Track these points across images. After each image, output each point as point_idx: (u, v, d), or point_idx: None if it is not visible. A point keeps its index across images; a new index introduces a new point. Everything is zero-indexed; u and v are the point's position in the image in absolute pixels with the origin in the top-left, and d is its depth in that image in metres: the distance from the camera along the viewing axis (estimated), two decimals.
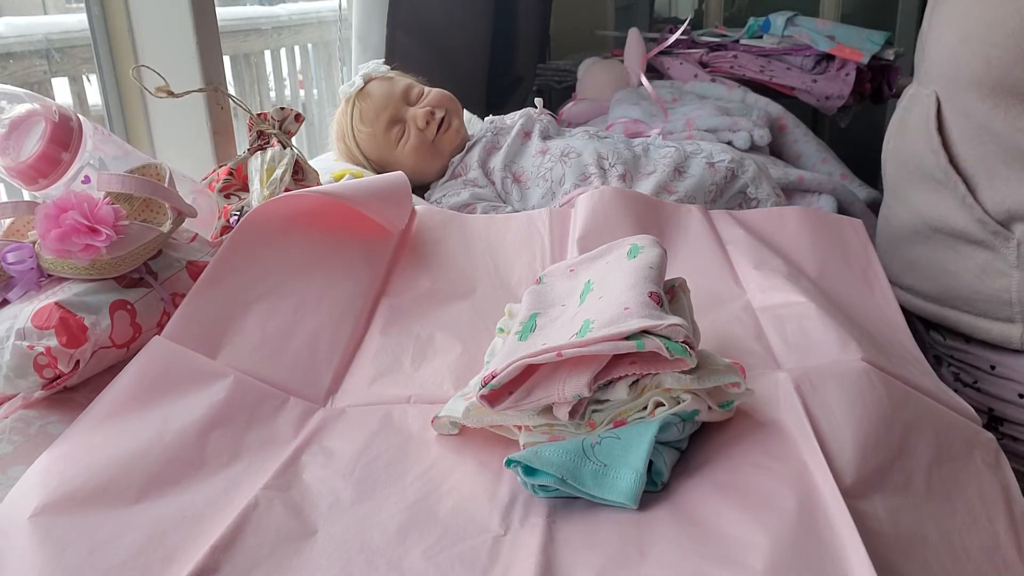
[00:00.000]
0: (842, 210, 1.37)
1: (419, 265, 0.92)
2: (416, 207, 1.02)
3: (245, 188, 1.07)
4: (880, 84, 1.83)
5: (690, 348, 0.56)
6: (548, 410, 0.59)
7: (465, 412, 0.62)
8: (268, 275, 0.82)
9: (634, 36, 1.88)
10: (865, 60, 1.74)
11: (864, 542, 0.49)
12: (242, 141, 1.16)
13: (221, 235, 0.96)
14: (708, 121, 1.54)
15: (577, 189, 1.13)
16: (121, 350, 0.74)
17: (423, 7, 1.66)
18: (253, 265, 0.82)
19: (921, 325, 1.05)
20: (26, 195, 0.96)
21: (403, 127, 1.27)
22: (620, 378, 0.58)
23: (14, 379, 0.68)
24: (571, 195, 1.06)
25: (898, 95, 1.10)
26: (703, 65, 1.90)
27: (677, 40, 1.95)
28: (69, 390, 0.72)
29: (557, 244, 0.95)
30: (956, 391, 0.95)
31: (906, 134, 0.99)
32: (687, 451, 0.60)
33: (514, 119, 1.30)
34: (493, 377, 0.57)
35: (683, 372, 0.57)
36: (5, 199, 1.14)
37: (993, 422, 0.95)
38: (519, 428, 0.61)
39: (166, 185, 0.81)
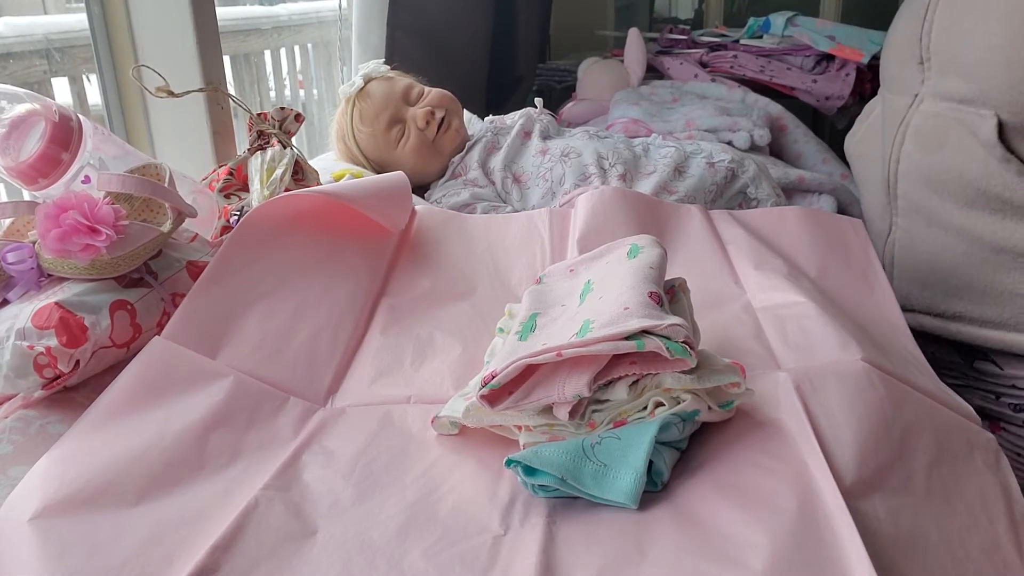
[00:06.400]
0: (842, 210, 1.37)
1: (419, 265, 0.92)
2: (416, 207, 1.02)
3: (245, 188, 1.07)
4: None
5: (690, 348, 0.56)
6: (548, 410, 0.59)
7: (465, 412, 0.62)
8: (268, 275, 0.82)
9: (634, 36, 1.88)
10: (865, 60, 1.74)
11: (864, 542, 0.49)
12: (242, 141, 1.16)
13: (221, 235, 0.96)
14: (708, 121, 1.54)
15: (577, 189, 1.13)
16: (121, 350, 0.74)
17: (423, 7, 1.66)
18: (253, 265, 0.82)
19: (960, 357, 0.96)
20: (26, 195, 0.96)
21: (403, 127, 1.27)
22: (620, 378, 0.58)
23: (14, 379, 0.68)
24: (571, 195, 1.06)
25: None
26: (703, 65, 1.90)
27: (677, 40, 1.95)
28: (69, 390, 0.72)
29: (557, 244, 0.95)
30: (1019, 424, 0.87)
31: (945, 154, 0.90)
32: (687, 451, 0.60)
33: (514, 119, 1.30)
34: (493, 377, 0.57)
35: (683, 372, 0.57)
36: (5, 199, 1.14)
37: None
38: (519, 428, 0.61)
39: (166, 185, 0.81)
